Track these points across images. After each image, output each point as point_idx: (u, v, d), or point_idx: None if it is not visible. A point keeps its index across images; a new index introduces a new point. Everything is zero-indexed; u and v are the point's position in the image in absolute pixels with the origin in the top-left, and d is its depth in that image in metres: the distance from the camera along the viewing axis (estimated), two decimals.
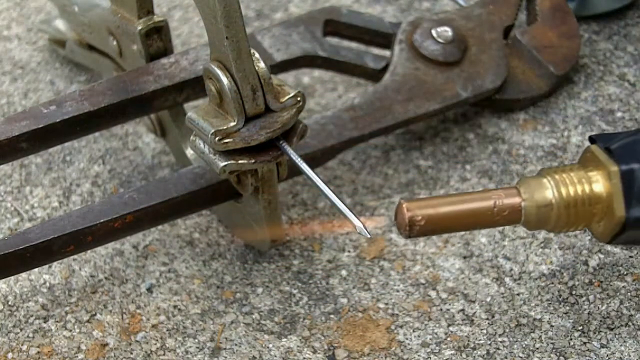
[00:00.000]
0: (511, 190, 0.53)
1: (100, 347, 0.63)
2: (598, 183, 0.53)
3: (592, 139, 0.55)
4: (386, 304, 0.65)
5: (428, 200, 0.53)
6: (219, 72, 0.57)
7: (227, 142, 0.57)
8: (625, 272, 0.65)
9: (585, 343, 0.62)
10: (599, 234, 0.55)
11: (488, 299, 0.64)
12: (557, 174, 0.54)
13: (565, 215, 0.54)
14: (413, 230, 0.53)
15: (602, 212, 0.53)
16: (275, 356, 0.62)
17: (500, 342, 0.62)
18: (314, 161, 0.67)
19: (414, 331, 0.63)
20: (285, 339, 0.63)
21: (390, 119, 0.71)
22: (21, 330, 0.64)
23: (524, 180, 0.54)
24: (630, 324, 0.62)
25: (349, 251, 0.68)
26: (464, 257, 0.67)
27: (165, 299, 0.66)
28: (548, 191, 0.53)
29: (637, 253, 0.66)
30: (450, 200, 0.53)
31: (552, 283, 0.65)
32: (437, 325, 0.63)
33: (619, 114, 0.75)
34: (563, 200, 0.53)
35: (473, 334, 0.63)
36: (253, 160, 0.58)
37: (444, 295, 0.65)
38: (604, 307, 0.63)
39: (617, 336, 0.62)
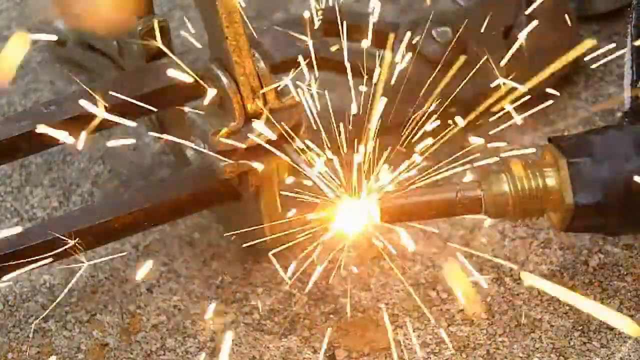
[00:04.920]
0: (473, 184, 0.60)
1: (100, 347, 0.63)
2: (551, 177, 0.59)
3: (549, 139, 0.60)
4: (386, 304, 0.65)
5: (399, 192, 0.60)
6: (219, 72, 0.57)
7: (227, 142, 0.57)
8: (625, 272, 0.65)
9: (585, 343, 0.62)
10: (555, 223, 0.60)
11: (488, 299, 0.64)
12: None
13: (521, 206, 0.59)
14: (384, 216, 0.58)
15: (555, 202, 0.59)
16: (275, 356, 0.62)
17: (500, 342, 0.62)
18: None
19: (414, 331, 0.63)
20: (285, 339, 0.63)
21: (390, 119, 0.70)
22: (21, 330, 0.64)
23: (485, 175, 0.60)
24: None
25: (349, 251, 0.68)
26: (464, 257, 0.67)
27: (165, 299, 0.66)
28: (505, 184, 0.59)
29: (637, 253, 0.66)
30: (419, 192, 0.60)
31: (552, 283, 0.65)
32: (437, 325, 0.63)
33: (619, 114, 0.75)
34: (518, 192, 0.58)
35: (473, 334, 0.63)
36: (253, 160, 0.58)
37: (444, 295, 0.65)
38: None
39: (617, 336, 0.62)
